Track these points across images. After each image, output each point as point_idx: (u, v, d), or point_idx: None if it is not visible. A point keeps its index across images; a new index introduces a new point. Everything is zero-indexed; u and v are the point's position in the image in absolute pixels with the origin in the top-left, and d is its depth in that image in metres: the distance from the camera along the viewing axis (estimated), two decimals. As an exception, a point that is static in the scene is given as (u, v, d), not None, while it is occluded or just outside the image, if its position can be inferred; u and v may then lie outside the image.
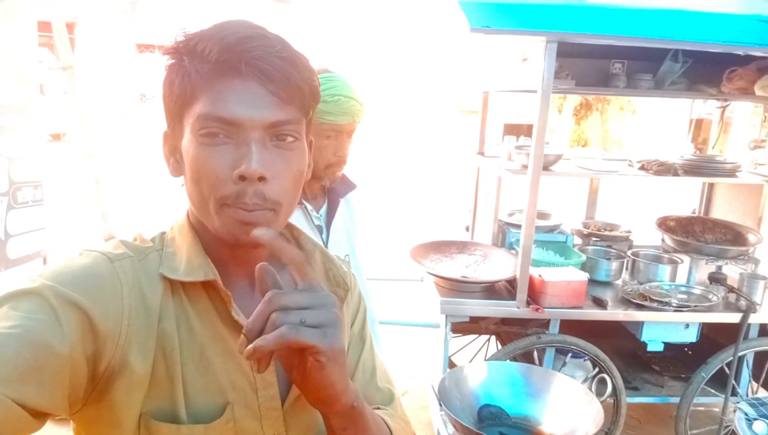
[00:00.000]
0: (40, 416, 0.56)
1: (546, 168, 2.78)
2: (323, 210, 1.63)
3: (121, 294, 0.64)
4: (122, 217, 5.96)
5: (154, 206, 6.85)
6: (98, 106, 14.68)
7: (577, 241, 3.20)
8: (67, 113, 2.50)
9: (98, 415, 0.64)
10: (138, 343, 0.64)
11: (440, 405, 1.99)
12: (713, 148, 3.38)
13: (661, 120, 16.04)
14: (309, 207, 1.56)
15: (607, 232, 3.23)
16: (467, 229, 3.46)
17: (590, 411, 1.98)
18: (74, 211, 5.30)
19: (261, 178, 0.64)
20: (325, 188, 1.62)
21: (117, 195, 6.98)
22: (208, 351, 0.68)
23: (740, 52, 2.27)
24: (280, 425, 0.71)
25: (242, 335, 0.56)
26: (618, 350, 3.15)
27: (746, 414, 1.68)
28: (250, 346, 0.54)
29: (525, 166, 2.80)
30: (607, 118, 17.75)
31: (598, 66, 2.96)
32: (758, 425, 1.62)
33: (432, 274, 2.66)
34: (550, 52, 2.18)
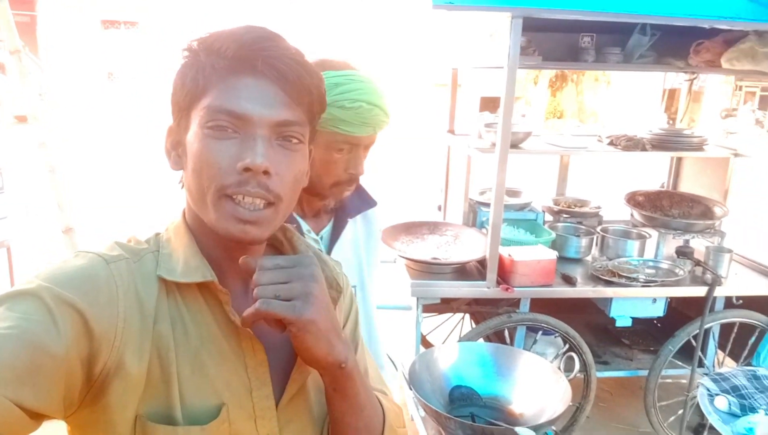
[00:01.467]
0: (37, 417, 0.56)
1: (515, 145, 2.76)
2: (326, 231, 1.36)
3: (116, 296, 0.64)
4: (87, 206, 5.81)
5: (120, 194, 6.66)
6: (64, 86, 14.20)
7: (548, 218, 3.20)
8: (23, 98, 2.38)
9: (93, 418, 0.64)
10: (133, 345, 0.64)
11: (410, 388, 1.99)
12: (681, 121, 3.39)
13: (635, 90, 16.16)
14: (305, 226, 1.29)
15: (577, 209, 3.23)
16: (439, 208, 3.43)
17: (558, 389, 2.00)
18: (33, 200, 5.14)
19: (266, 172, 0.65)
20: (329, 206, 1.34)
21: (83, 182, 6.75)
22: (203, 352, 0.69)
23: (706, 26, 2.25)
24: (274, 425, 0.72)
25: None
26: (588, 325, 3.19)
27: (708, 390, 1.70)
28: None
29: (494, 145, 2.77)
30: (582, 90, 17.80)
31: (566, 40, 2.93)
32: (720, 401, 1.64)
33: (403, 256, 2.63)
34: (515, 27, 2.13)
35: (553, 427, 1.78)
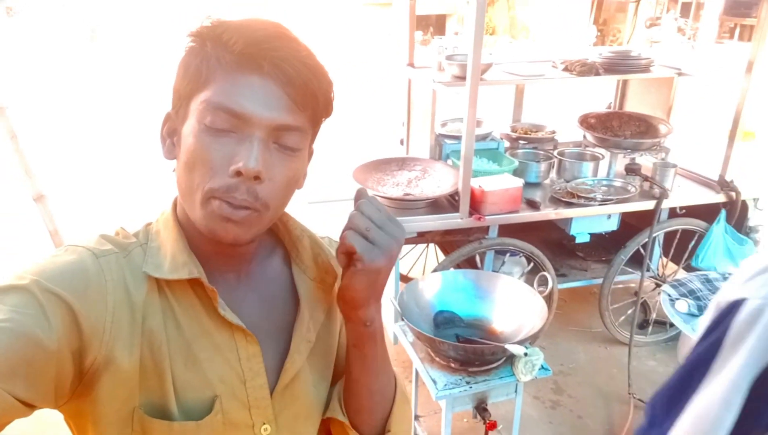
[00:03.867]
0: (30, 406, 0.57)
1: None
2: None
3: (106, 290, 0.64)
4: (57, 174, 5.43)
5: (92, 160, 6.25)
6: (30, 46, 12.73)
7: (507, 144, 3.33)
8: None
9: (84, 409, 0.65)
10: (123, 340, 0.64)
11: (402, 318, 2.14)
12: (630, 38, 3.52)
13: (564, 2, 16.26)
14: None
15: (533, 135, 3.38)
16: (401, 142, 3.49)
17: (535, 306, 2.22)
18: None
19: (257, 177, 0.63)
20: None
21: (51, 147, 6.26)
22: (196, 346, 0.69)
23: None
24: (269, 413, 0.73)
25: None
26: (546, 242, 3.43)
27: (669, 295, 1.94)
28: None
29: (457, 77, 2.82)
30: (513, 4, 17.72)
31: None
32: (680, 304, 1.87)
33: (377, 195, 2.71)
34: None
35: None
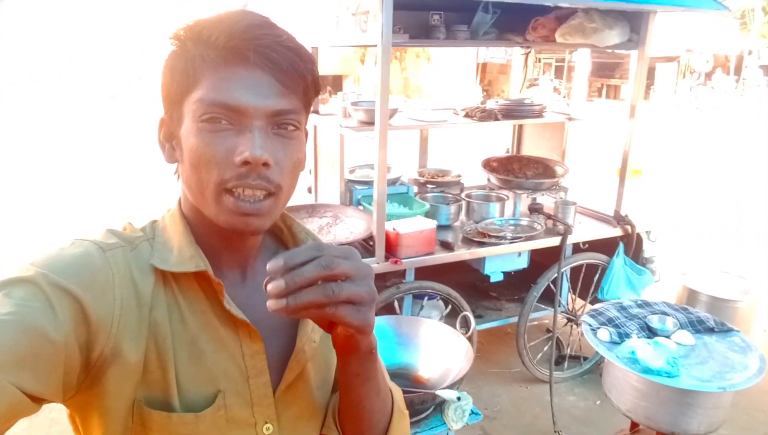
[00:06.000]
0: (37, 400, 0.57)
1: (385, 123, 2.82)
2: None
3: (112, 283, 0.64)
4: None
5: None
6: None
7: (415, 189, 3.35)
8: None
9: (91, 402, 0.65)
10: (130, 333, 0.64)
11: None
12: (521, 91, 3.75)
13: (452, 65, 17.42)
14: None
15: (440, 179, 3.43)
16: (309, 190, 3.40)
17: (460, 350, 2.15)
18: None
19: (265, 164, 0.64)
20: None
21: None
22: (200, 340, 0.69)
23: (549, 4, 2.49)
24: (271, 412, 0.72)
25: (270, 280, 0.55)
26: (460, 285, 3.42)
27: (590, 325, 1.96)
28: (281, 301, 0.53)
29: (364, 122, 2.81)
30: (406, 66, 18.68)
31: (418, 18, 3.04)
32: (602, 333, 1.89)
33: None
34: (387, 6, 2.17)
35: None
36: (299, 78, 0.66)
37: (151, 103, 14.29)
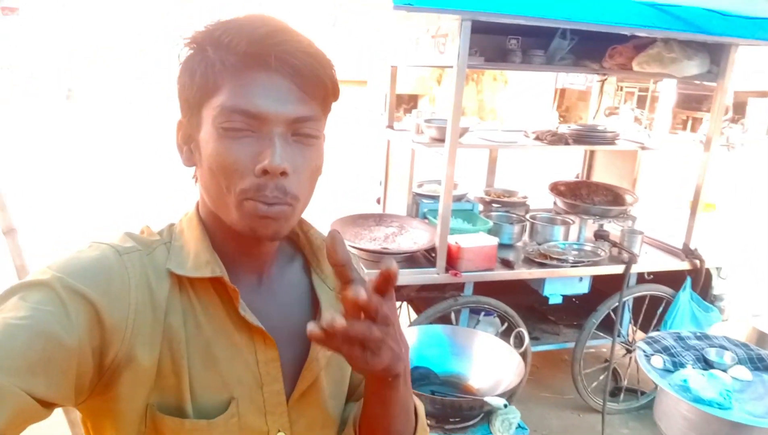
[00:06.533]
0: (48, 405, 0.57)
1: (456, 140, 2.93)
2: None
3: (128, 287, 0.64)
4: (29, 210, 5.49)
5: (64, 199, 6.42)
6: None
7: (481, 208, 3.42)
8: None
9: (103, 407, 0.65)
10: (144, 337, 0.64)
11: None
12: (594, 118, 3.75)
13: (529, 89, 17.27)
14: None
15: (506, 199, 3.48)
16: (378, 201, 3.54)
17: (512, 363, 2.20)
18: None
19: (283, 173, 0.64)
20: None
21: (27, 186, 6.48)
22: (215, 346, 0.68)
23: (626, 33, 2.52)
24: (284, 421, 0.72)
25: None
26: (519, 305, 3.43)
27: (644, 351, 1.96)
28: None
29: (435, 139, 2.92)
30: (482, 89, 18.72)
31: (495, 41, 3.14)
32: (655, 360, 1.89)
33: (354, 247, 2.71)
34: (465, 30, 2.29)
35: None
36: (320, 84, 0.66)
37: (159, 104, 14.31)
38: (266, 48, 0.63)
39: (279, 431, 0.72)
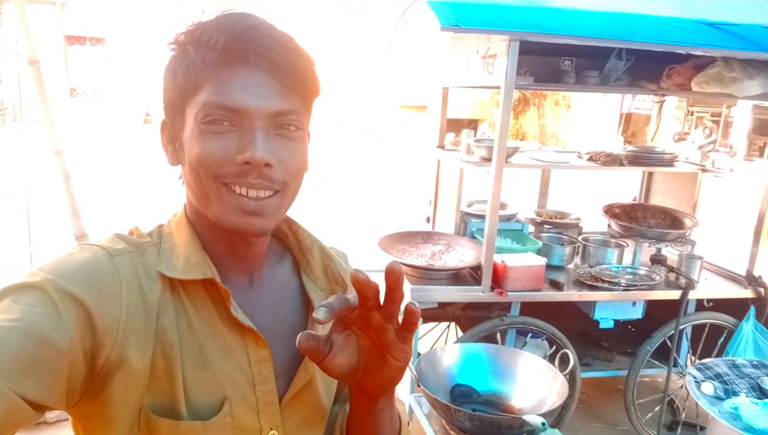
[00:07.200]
0: (39, 408, 0.57)
1: (505, 160, 2.94)
2: None
3: (120, 289, 0.64)
4: (94, 214, 5.92)
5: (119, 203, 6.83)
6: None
7: (531, 228, 3.38)
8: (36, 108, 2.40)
9: (95, 410, 0.64)
10: (136, 339, 0.64)
11: (418, 384, 2.10)
12: (652, 140, 3.65)
13: (593, 114, 16.87)
14: None
15: (558, 220, 3.43)
16: (428, 220, 3.58)
17: (555, 384, 2.16)
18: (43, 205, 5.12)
19: (266, 165, 0.65)
20: None
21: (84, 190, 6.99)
22: (207, 347, 0.69)
23: (682, 52, 2.47)
24: (277, 419, 0.73)
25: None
26: (570, 330, 3.35)
27: (695, 377, 1.88)
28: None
29: (485, 159, 2.94)
30: (543, 113, 18.46)
31: (548, 63, 3.14)
32: (706, 386, 1.81)
33: (400, 262, 2.75)
34: (513, 50, 2.32)
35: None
36: (299, 78, 0.67)
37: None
38: (245, 43, 0.64)
39: (271, 429, 0.72)
